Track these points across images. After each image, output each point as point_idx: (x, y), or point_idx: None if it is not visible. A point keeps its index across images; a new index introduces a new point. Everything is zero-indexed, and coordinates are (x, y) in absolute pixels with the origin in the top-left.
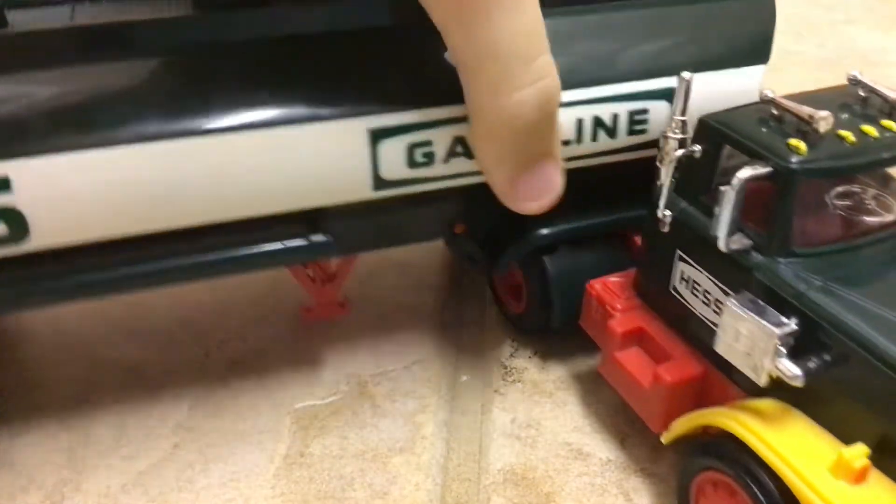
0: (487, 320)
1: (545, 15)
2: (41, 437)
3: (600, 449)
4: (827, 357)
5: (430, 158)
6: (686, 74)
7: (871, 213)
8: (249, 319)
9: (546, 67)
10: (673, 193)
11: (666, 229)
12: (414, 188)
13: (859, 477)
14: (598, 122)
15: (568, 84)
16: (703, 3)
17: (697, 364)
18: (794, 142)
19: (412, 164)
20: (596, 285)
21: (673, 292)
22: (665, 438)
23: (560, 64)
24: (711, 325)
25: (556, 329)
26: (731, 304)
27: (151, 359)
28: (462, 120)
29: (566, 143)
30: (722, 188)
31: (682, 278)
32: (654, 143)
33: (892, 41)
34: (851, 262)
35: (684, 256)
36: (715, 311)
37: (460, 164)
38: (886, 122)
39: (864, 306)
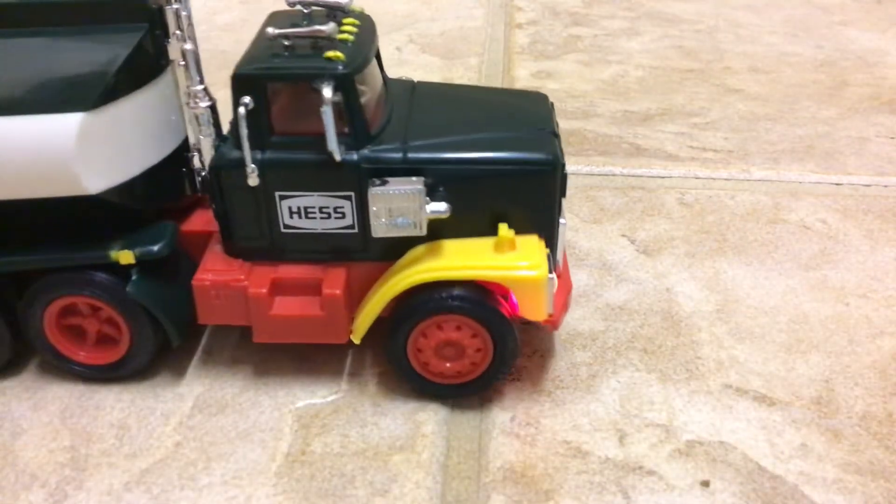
0: None
1: None
2: (44, 435)
3: (599, 447)
4: (441, 187)
5: None
6: (188, 46)
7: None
8: None
9: None
10: (234, 151)
11: (255, 182)
12: None
13: (512, 244)
14: None
15: None
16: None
17: (342, 270)
18: (330, 54)
19: None
20: (204, 276)
21: (285, 230)
22: (356, 337)
23: None
24: (345, 230)
25: (177, 345)
26: (377, 191)
27: (153, 357)
28: None
29: None
30: (323, 109)
31: (292, 212)
32: None
33: (890, 42)
34: (393, 125)
35: (286, 194)
36: (339, 217)
37: None
38: (347, 21)
39: (426, 144)
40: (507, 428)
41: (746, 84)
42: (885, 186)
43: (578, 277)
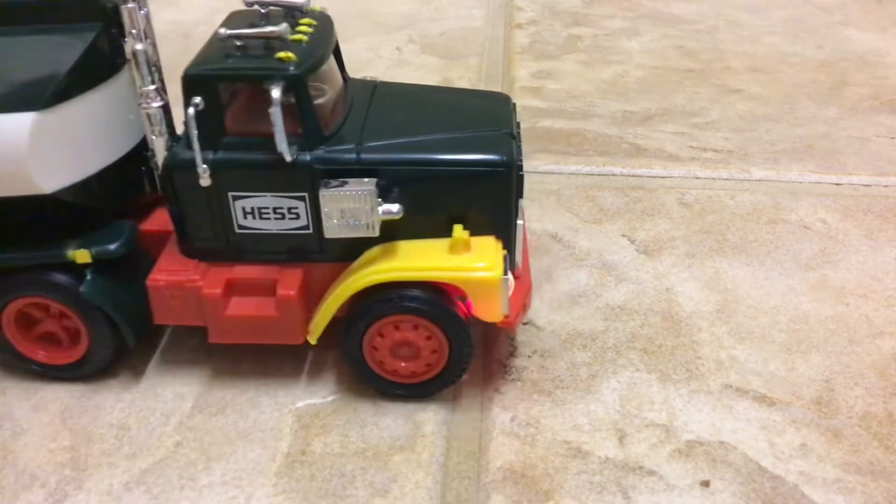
0: None
1: None
2: (44, 435)
3: (599, 447)
4: (395, 188)
5: None
6: (138, 46)
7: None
8: None
9: None
10: (186, 151)
11: (207, 183)
12: None
13: (467, 246)
14: None
15: None
16: None
17: (298, 271)
18: (281, 55)
19: None
20: (158, 277)
21: (240, 231)
22: (312, 337)
23: None
24: (300, 230)
25: (132, 346)
26: (328, 192)
27: (153, 358)
28: None
29: None
30: (272, 110)
31: (246, 213)
32: None
33: (890, 42)
34: (349, 126)
35: (239, 194)
36: (293, 218)
37: None
38: (303, 21)
39: (381, 146)
40: (508, 428)
41: (747, 84)
42: (886, 186)
43: (578, 277)
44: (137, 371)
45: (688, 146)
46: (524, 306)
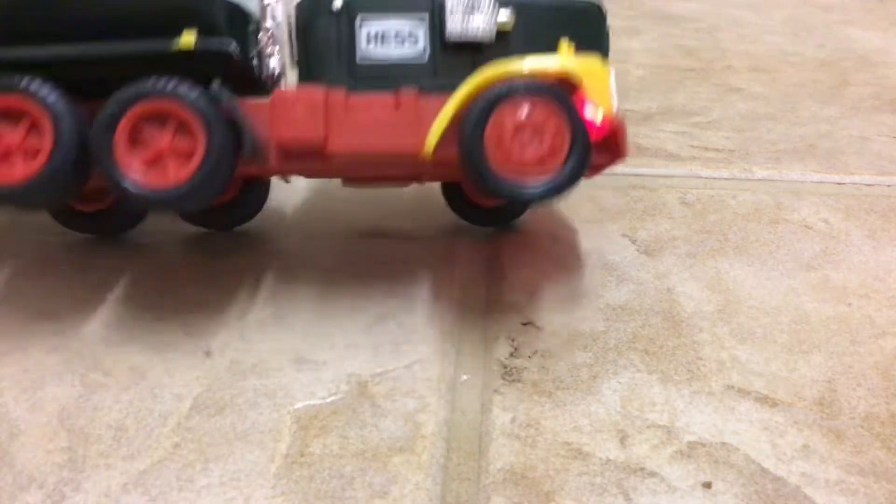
0: (488, 319)
1: None
2: (41, 436)
3: (600, 448)
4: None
5: None
6: None
7: None
8: (251, 320)
9: None
10: None
11: (339, 6)
12: None
13: (573, 54)
14: None
15: None
16: None
17: (415, 90)
18: None
19: None
20: (285, 90)
21: (362, 60)
22: (428, 148)
23: None
24: (418, 57)
25: (249, 155)
26: None
27: (152, 359)
28: None
29: None
30: None
31: (370, 39)
32: None
33: (891, 42)
34: None
35: (365, 22)
36: (413, 43)
37: None
38: None
39: None
40: (508, 429)
41: (748, 83)
42: (888, 186)
43: (579, 277)
44: (136, 371)
45: (689, 145)
46: (624, 137)
